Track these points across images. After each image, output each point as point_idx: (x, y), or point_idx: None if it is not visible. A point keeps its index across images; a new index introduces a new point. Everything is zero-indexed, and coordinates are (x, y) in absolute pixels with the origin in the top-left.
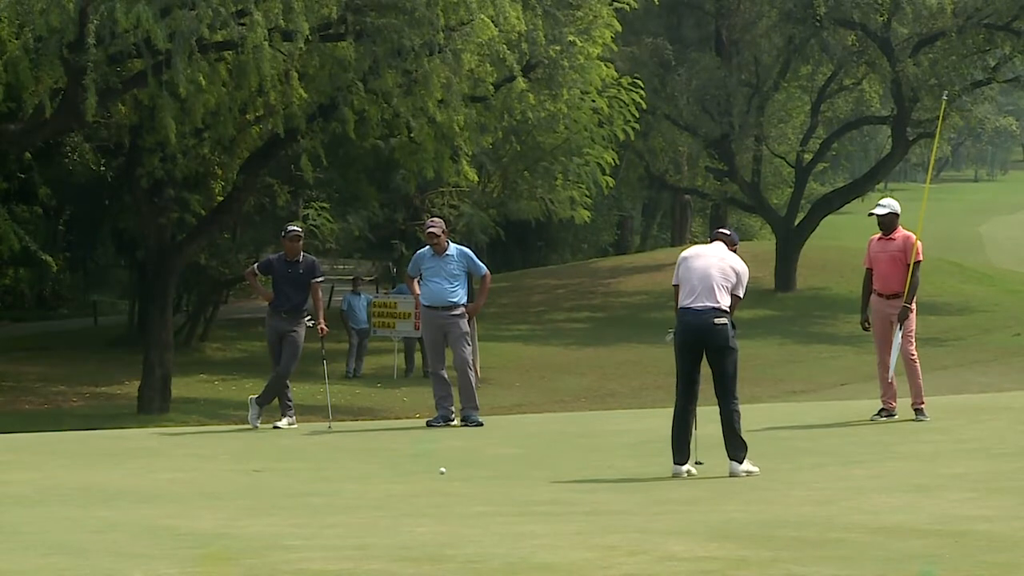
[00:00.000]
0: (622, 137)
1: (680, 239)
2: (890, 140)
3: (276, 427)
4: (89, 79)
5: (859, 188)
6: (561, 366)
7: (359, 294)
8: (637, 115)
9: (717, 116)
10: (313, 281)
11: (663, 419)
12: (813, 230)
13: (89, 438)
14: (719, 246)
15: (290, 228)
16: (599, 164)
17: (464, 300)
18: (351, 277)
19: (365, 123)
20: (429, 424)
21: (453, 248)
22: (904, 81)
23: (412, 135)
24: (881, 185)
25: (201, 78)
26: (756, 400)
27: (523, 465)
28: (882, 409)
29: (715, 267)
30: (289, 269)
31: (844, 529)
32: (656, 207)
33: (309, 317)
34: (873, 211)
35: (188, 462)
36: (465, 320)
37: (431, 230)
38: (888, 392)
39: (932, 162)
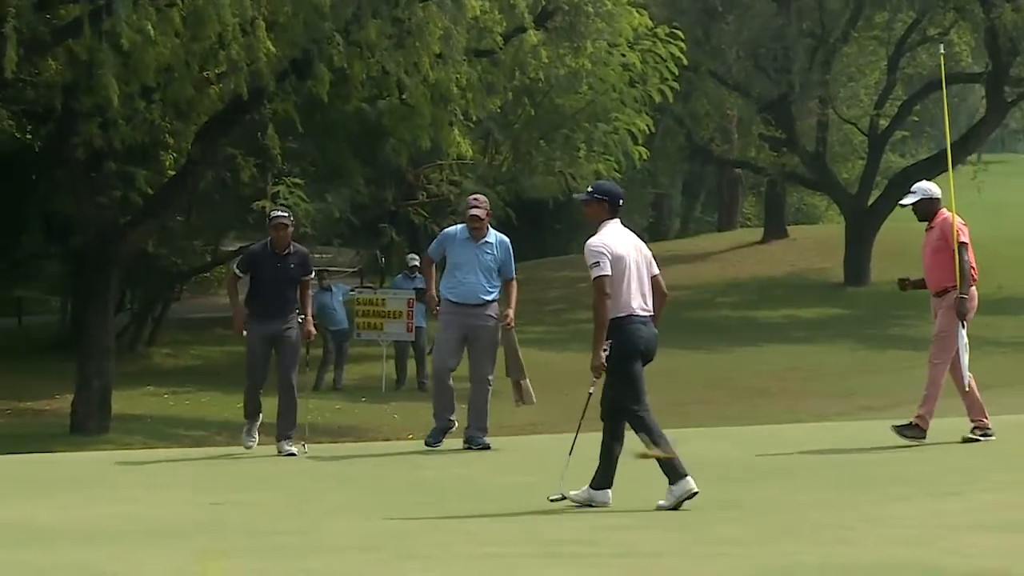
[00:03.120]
0: (658, 99)
1: (728, 222)
2: (984, 102)
3: (244, 447)
4: (10, 27)
5: (946, 160)
6: (584, 376)
7: (329, 289)
8: (676, 72)
9: (773, 73)
10: (304, 277)
11: (708, 440)
12: (890, 212)
13: (11, 464)
14: (625, 230)
15: (276, 214)
16: (630, 132)
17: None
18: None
19: (347, 83)
20: (429, 444)
21: (494, 235)
22: (1001, 31)
23: (404, 97)
24: (973, 157)
25: (149, 27)
26: (823, 418)
27: (540, 496)
28: (974, 427)
29: (643, 262)
30: (278, 263)
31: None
32: (699, 184)
33: (299, 312)
34: (902, 201)
35: (133, 493)
36: (496, 325)
37: (475, 211)
38: (973, 406)
39: None
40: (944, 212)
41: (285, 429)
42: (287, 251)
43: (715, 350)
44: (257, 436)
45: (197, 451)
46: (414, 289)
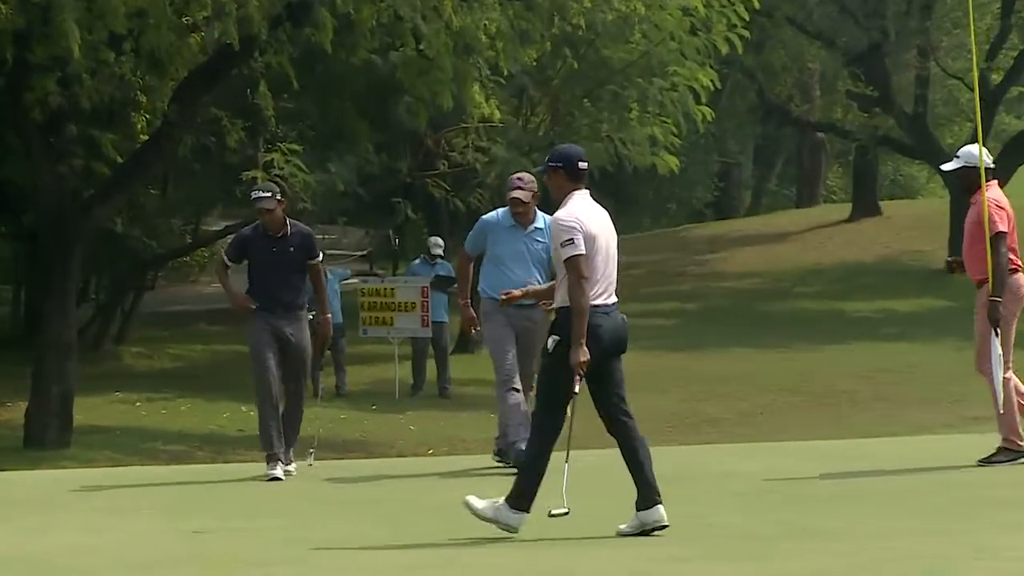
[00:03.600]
0: (725, 50)
1: (810, 196)
2: None
3: (275, 475)
4: None
5: None
6: (637, 380)
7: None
8: (747, 18)
9: (863, 19)
10: (311, 261)
11: (785, 456)
12: (1006, 183)
13: None
14: (595, 203)
15: (257, 195)
16: (691, 89)
17: None
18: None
19: (352, 30)
20: (499, 457)
21: (542, 219)
22: None
23: (421, 47)
24: None
25: None
26: (922, 429)
27: (583, 523)
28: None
29: (613, 242)
30: (274, 247)
31: None
32: (775, 151)
33: (310, 309)
34: (944, 166)
35: (98, 520)
36: (544, 324)
37: (517, 193)
38: (1007, 425)
39: None
40: (990, 186)
41: (289, 441)
42: (283, 232)
43: (794, 349)
44: (282, 465)
45: (175, 470)
46: (434, 277)
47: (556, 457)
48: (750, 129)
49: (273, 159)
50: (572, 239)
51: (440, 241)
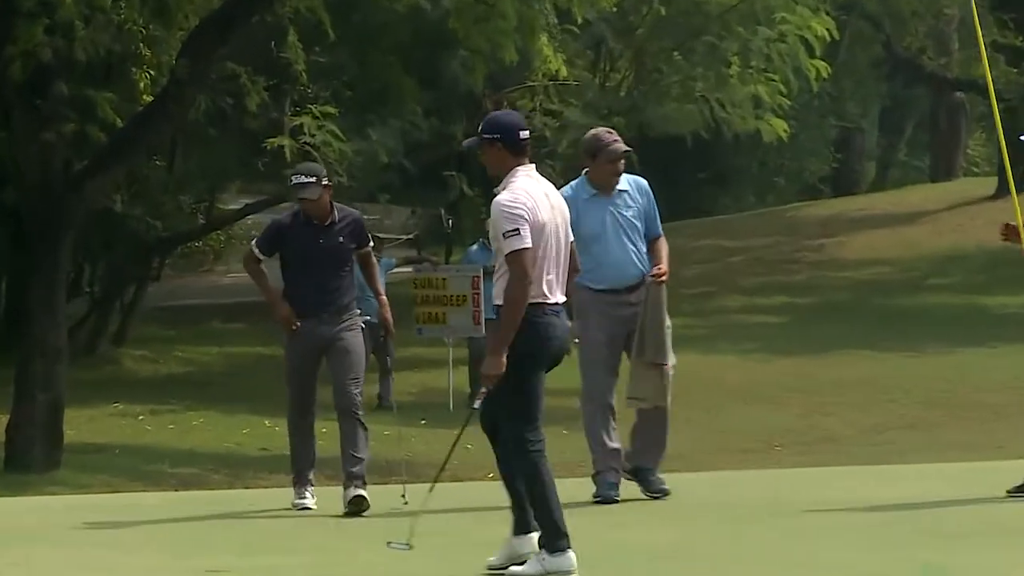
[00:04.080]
0: None
1: (947, 169)
2: None
3: (299, 507)
4: None
5: None
6: (740, 389)
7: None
8: None
9: None
10: (362, 252)
11: (917, 480)
12: None
13: None
14: (542, 180)
15: (299, 181)
16: (803, 39)
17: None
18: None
19: None
20: (600, 499)
21: (628, 180)
22: None
23: None
24: None
25: None
26: None
27: (691, 562)
28: None
29: (562, 226)
30: (320, 238)
31: None
32: (905, 114)
33: (362, 313)
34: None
35: (95, 555)
36: (664, 300)
37: (618, 145)
38: None
39: None
40: None
41: (351, 473)
42: (330, 220)
43: (927, 352)
44: (312, 493)
45: (186, 497)
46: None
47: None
48: (874, 88)
49: (302, 124)
50: (517, 229)
51: None
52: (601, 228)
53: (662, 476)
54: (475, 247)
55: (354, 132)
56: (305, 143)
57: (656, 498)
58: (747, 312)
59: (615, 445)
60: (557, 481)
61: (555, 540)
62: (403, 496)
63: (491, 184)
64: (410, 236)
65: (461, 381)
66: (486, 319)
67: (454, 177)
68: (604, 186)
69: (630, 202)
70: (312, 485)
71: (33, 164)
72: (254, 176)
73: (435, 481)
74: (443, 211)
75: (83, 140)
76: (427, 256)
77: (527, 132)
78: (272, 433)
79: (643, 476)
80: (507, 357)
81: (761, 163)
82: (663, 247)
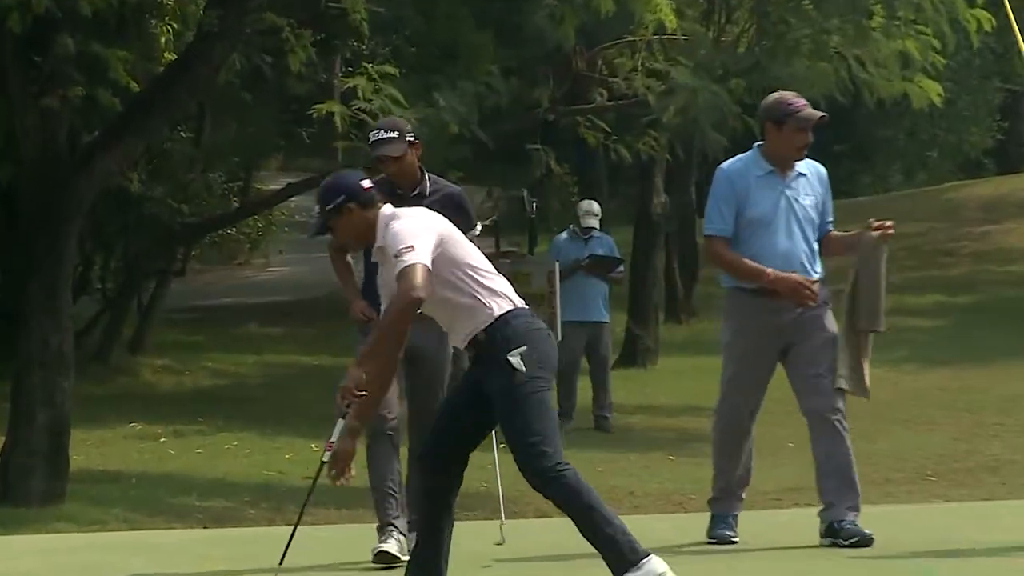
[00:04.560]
0: None
1: None
2: None
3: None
4: None
5: None
6: (885, 406)
7: None
8: None
9: None
10: (471, 235)
11: None
12: None
13: None
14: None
15: (379, 136)
16: None
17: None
18: None
19: None
20: (714, 538)
21: (806, 164)
22: None
23: None
24: None
25: None
26: None
27: None
28: None
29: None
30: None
31: None
32: None
33: None
34: None
35: None
36: (828, 309)
37: (808, 111)
38: None
39: None
40: None
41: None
42: (419, 191)
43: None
44: (402, 536)
45: (217, 535)
46: (588, 257)
47: None
48: None
49: (356, 87)
50: (412, 246)
51: (596, 206)
52: (773, 214)
53: (786, 510)
54: (564, 235)
55: (418, 97)
56: (359, 110)
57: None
58: (895, 314)
59: (744, 472)
60: (657, 517)
61: (630, 555)
62: (501, 528)
63: (585, 162)
64: (487, 222)
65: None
66: (588, 322)
67: (539, 151)
68: (785, 162)
69: (809, 190)
70: (397, 534)
71: (32, 135)
72: (298, 150)
73: (504, 518)
74: (525, 192)
75: (92, 107)
76: (508, 248)
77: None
78: (315, 457)
79: (836, 530)
80: (525, 373)
81: (910, 134)
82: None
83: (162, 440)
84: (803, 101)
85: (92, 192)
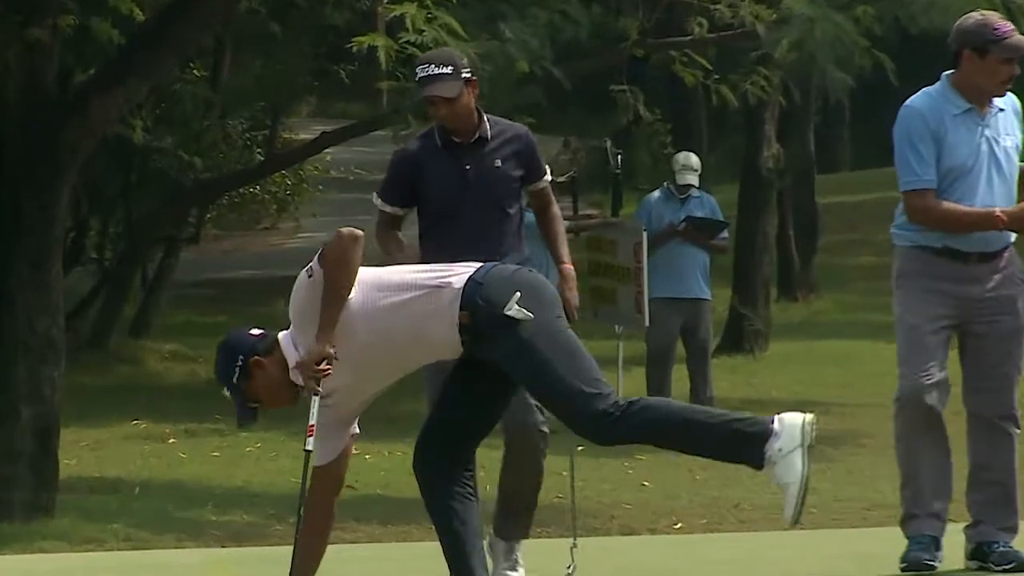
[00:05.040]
0: None
1: None
2: None
3: None
4: None
5: None
6: None
7: None
8: None
9: None
10: (535, 187)
11: None
12: None
13: None
14: None
15: (427, 68)
16: None
17: None
18: None
19: None
20: (907, 566)
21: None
22: None
23: None
24: None
25: None
26: None
27: None
28: None
29: None
30: (465, 162)
31: None
32: None
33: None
34: None
35: None
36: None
37: (1018, 39)
38: None
39: None
40: None
41: (510, 525)
42: (478, 135)
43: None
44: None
45: (236, 555)
46: (684, 220)
47: None
48: None
49: (405, 15)
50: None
51: (694, 159)
52: (973, 159)
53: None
54: (656, 195)
55: (479, 28)
56: (407, 43)
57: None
58: None
59: (940, 479)
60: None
61: (759, 429)
62: (573, 549)
63: (680, 106)
64: (564, 178)
65: (635, 388)
66: (685, 298)
67: (625, 93)
68: (983, 97)
69: (1010, 128)
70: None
71: (16, 74)
72: (334, 92)
73: (575, 535)
74: (608, 143)
75: (87, 39)
76: (587, 211)
77: None
78: (359, 463)
79: (985, 553)
80: (518, 329)
81: None
82: None
83: (171, 441)
84: (1010, 26)
85: (88, 142)
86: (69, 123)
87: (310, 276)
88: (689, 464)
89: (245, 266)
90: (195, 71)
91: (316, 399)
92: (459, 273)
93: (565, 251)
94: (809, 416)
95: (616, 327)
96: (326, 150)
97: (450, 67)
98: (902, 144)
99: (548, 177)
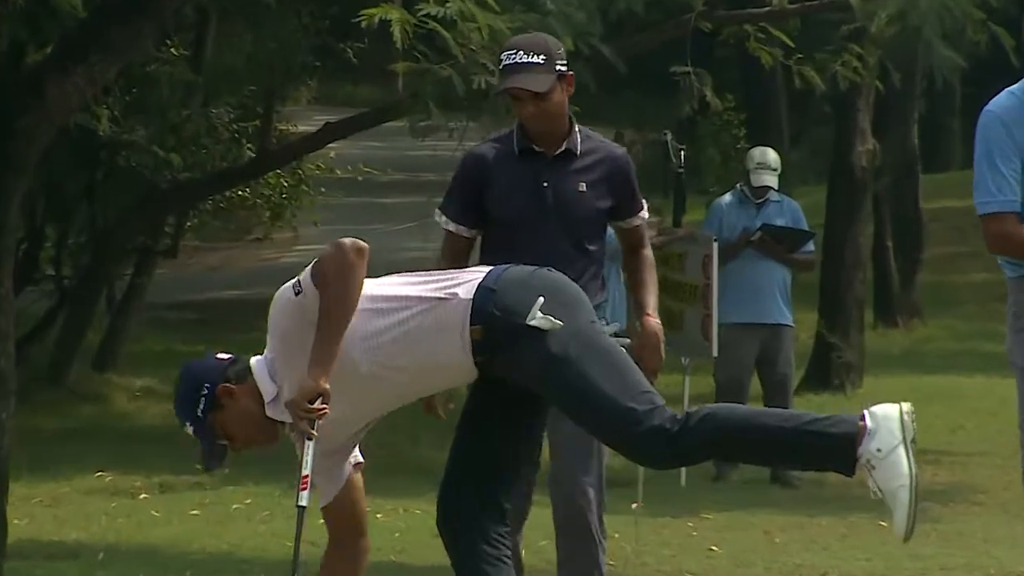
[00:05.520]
0: None
1: None
2: None
3: None
4: None
5: None
6: None
7: None
8: None
9: None
10: (626, 224)
11: None
12: None
13: None
14: None
15: (513, 56)
16: None
17: None
18: None
19: None
20: None
21: None
22: None
23: None
24: None
25: None
26: None
27: None
28: None
29: None
30: (544, 178)
31: None
32: None
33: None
34: None
35: None
36: None
37: None
38: None
39: None
40: None
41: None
42: (564, 146)
43: None
44: None
45: None
46: (760, 229)
47: None
48: None
49: None
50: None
51: (774, 156)
52: None
53: None
54: (727, 198)
55: None
56: (427, 17)
57: None
58: None
59: None
60: None
61: (846, 429)
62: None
63: (756, 90)
64: None
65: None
66: (762, 324)
67: (689, 76)
68: None
69: None
70: None
71: None
72: (339, 75)
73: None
74: (669, 136)
75: (44, 10)
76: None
77: None
78: (374, 525)
79: None
80: (546, 341)
81: None
82: None
83: (142, 497)
84: None
85: (44, 135)
86: (22, 111)
87: (298, 294)
88: (765, 524)
89: (232, 285)
90: (173, 49)
91: (310, 444)
92: (467, 281)
93: (652, 301)
94: (906, 405)
95: (682, 359)
96: (329, 145)
97: (543, 56)
98: (979, 157)
99: (645, 214)
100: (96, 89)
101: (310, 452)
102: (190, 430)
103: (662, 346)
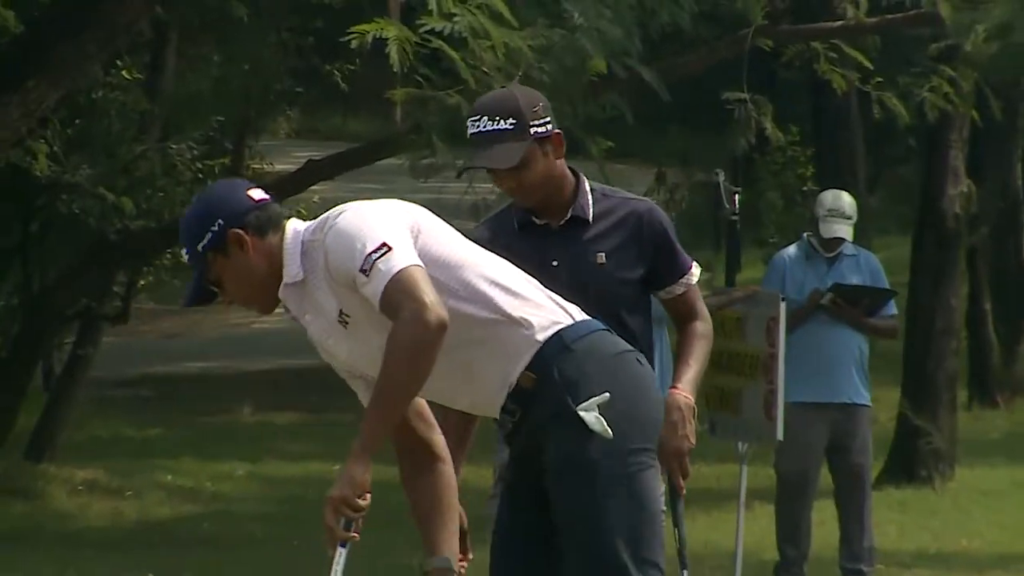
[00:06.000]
0: None
1: None
2: None
3: None
4: None
5: None
6: None
7: None
8: None
9: None
10: (669, 291)
11: None
12: None
13: None
14: None
15: (478, 122)
16: None
17: None
18: None
19: None
20: None
21: None
22: None
23: None
24: None
25: None
26: None
27: None
28: None
29: None
30: (552, 255)
31: None
32: None
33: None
34: None
35: None
36: None
37: None
38: None
39: None
40: None
41: None
42: (569, 214)
43: None
44: None
45: None
46: (832, 289)
47: None
48: None
49: None
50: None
51: (848, 201)
52: None
53: None
54: (792, 251)
55: (537, 9)
56: (430, 34)
57: None
58: None
59: None
60: None
61: None
62: None
63: (826, 120)
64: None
65: (760, 531)
66: (834, 404)
67: (745, 104)
68: None
69: None
70: None
71: None
72: (325, 102)
73: None
74: (721, 176)
75: None
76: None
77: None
78: None
79: None
80: (586, 444)
81: None
82: None
83: None
84: None
85: None
86: None
87: (366, 271)
88: None
89: (195, 356)
90: (125, 72)
91: (342, 551)
92: (551, 317)
93: (689, 375)
94: None
95: (739, 445)
96: (312, 188)
97: (511, 120)
98: None
99: (695, 276)
100: (32, 120)
101: (342, 560)
102: (185, 257)
103: (690, 425)
